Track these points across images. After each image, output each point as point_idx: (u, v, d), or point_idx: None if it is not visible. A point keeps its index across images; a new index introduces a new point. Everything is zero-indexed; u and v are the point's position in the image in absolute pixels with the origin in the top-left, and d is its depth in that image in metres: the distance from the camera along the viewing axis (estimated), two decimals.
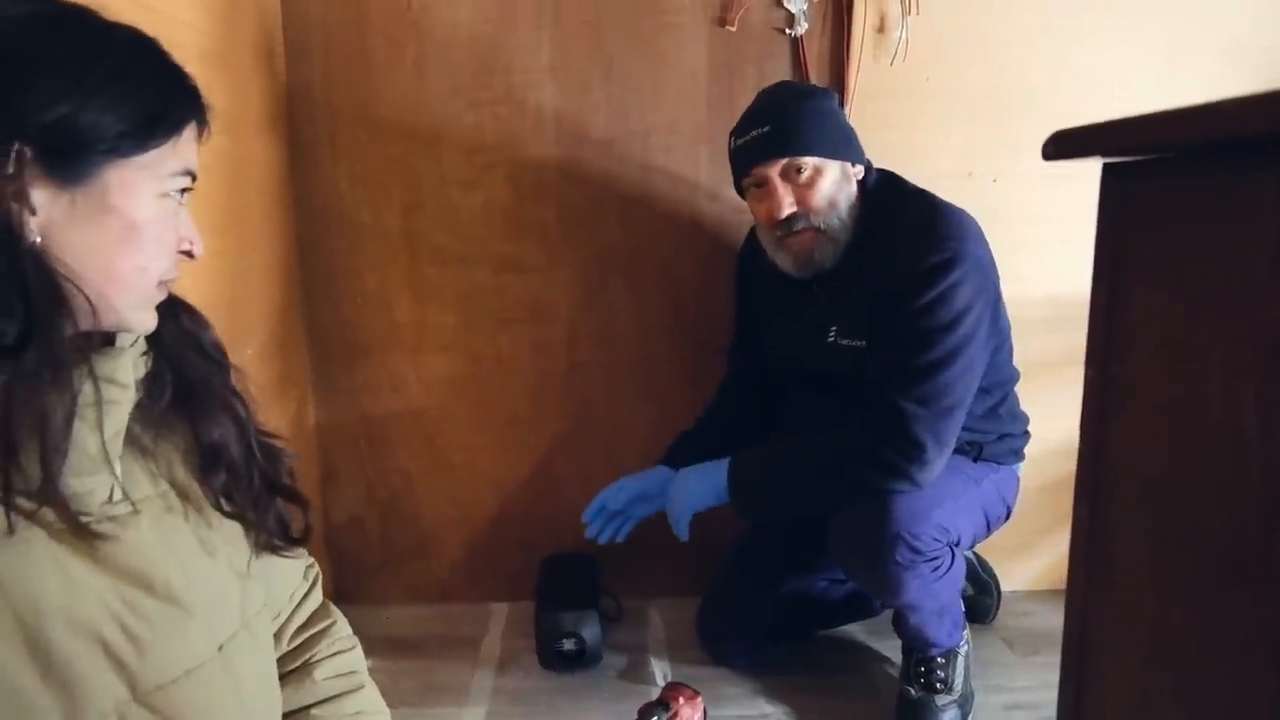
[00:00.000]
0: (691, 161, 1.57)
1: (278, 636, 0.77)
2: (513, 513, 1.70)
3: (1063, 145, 0.42)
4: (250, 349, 1.37)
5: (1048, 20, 1.53)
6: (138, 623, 0.55)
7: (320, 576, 0.85)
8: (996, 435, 1.38)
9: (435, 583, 1.70)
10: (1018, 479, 1.45)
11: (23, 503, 0.49)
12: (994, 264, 1.29)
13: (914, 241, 1.23)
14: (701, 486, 1.34)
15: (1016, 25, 1.53)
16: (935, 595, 1.27)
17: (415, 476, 1.69)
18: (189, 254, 0.61)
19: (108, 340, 0.58)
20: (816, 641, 1.55)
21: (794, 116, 1.24)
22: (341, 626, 0.83)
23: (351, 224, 1.59)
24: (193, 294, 1.19)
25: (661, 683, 1.42)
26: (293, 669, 0.77)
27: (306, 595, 0.81)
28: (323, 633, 0.80)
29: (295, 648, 0.78)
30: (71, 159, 0.50)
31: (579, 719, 1.33)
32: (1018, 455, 1.45)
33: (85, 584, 0.52)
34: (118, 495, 0.56)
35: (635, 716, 0.96)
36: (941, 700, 1.28)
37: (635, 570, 1.71)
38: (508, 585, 1.72)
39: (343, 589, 1.69)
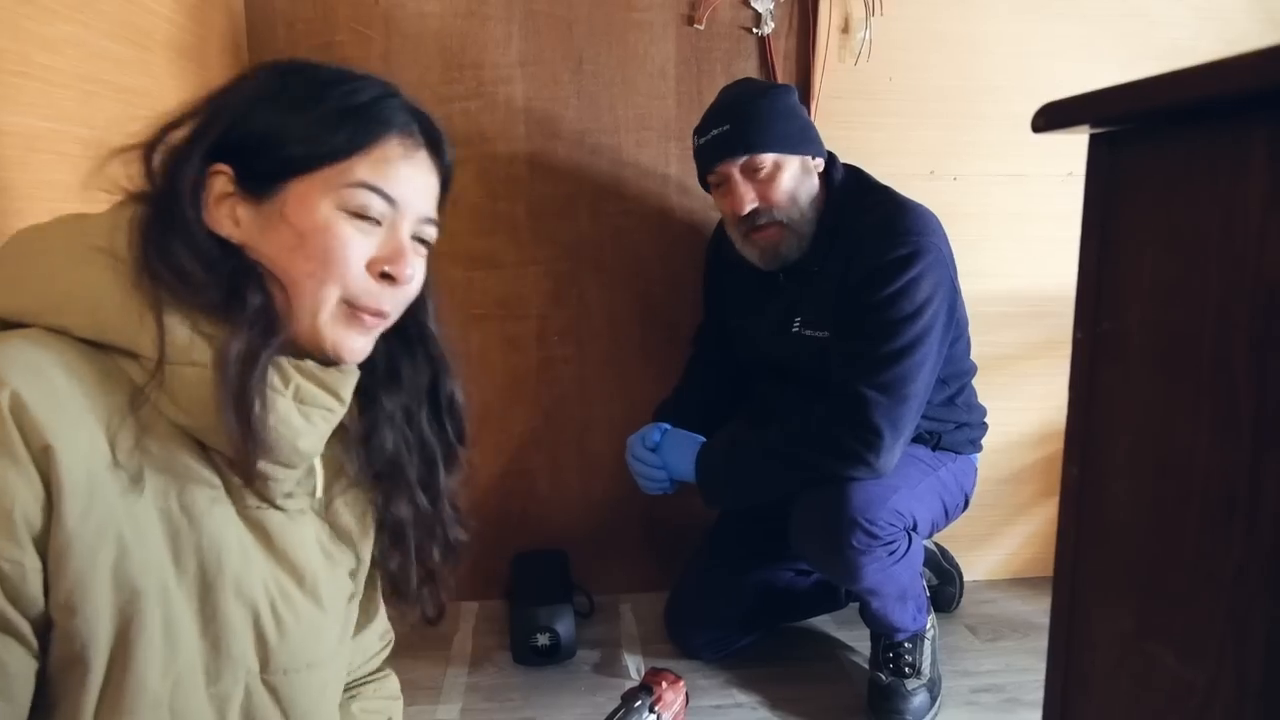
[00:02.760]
0: (661, 156, 1.59)
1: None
2: (485, 510, 1.69)
3: (1053, 116, 0.44)
4: None
5: (1009, 25, 1.58)
6: (285, 608, 0.59)
7: (393, 643, 0.85)
8: (954, 425, 1.42)
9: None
10: (975, 469, 1.49)
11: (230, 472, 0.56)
12: (953, 259, 1.32)
13: (878, 235, 1.26)
14: (678, 459, 1.38)
15: (978, 28, 1.58)
16: (894, 579, 1.29)
17: None
18: (389, 278, 0.60)
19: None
20: (785, 633, 1.57)
21: (752, 115, 1.26)
22: (391, 682, 0.84)
23: None
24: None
25: (636, 677, 1.42)
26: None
27: (375, 654, 0.83)
28: (374, 681, 0.82)
29: (346, 687, 0.79)
30: (258, 180, 0.57)
31: (553, 714, 1.32)
32: (975, 445, 1.49)
33: (254, 560, 0.57)
34: (293, 490, 0.61)
35: (619, 702, 0.96)
36: (911, 684, 1.31)
37: (606, 566, 1.71)
38: (479, 583, 1.70)
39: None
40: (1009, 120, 1.60)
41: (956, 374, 1.41)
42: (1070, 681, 0.56)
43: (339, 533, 0.66)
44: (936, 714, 1.32)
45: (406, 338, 0.68)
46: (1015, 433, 1.73)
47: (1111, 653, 0.51)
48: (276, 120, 0.57)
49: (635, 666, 1.45)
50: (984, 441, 1.71)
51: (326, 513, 0.66)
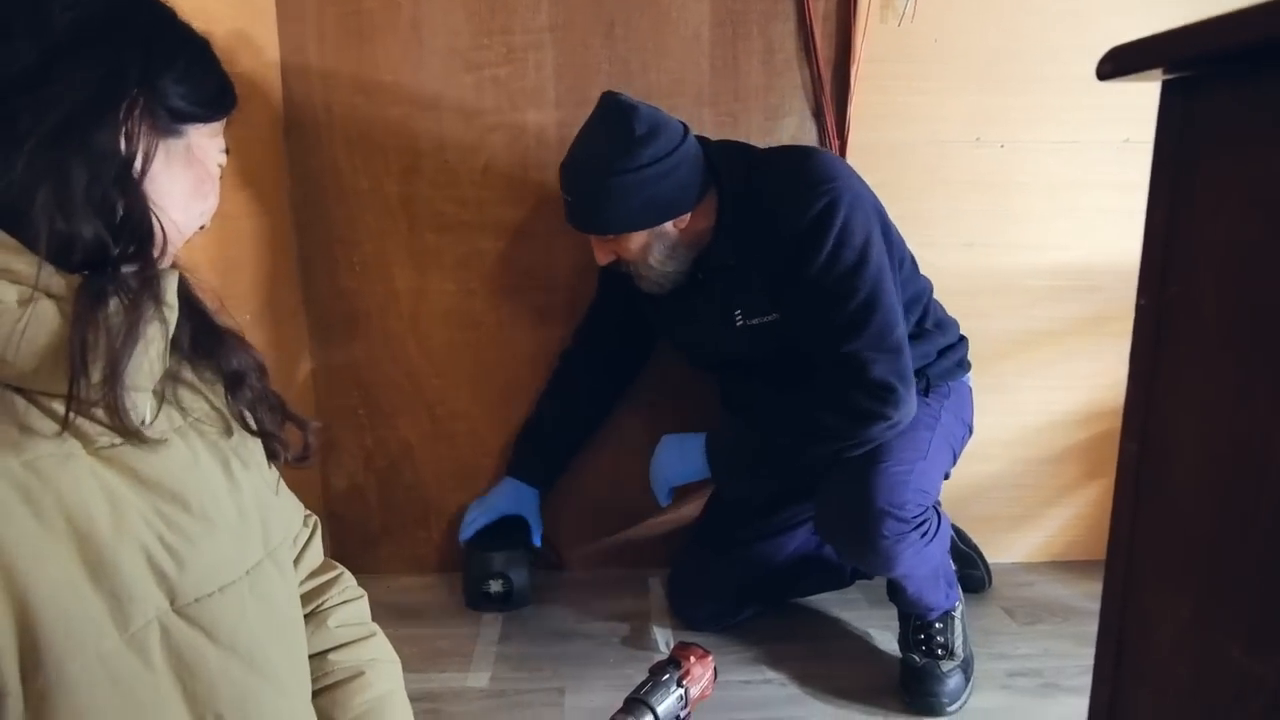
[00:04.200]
0: (695, 123, 1.51)
1: None
2: None
3: (1121, 61, 0.40)
4: (247, 314, 1.34)
5: None
6: (176, 537, 0.57)
7: (320, 526, 0.86)
8: (935, 354, 1.38)
9: (435, 552, 1.68)
10: (969, 389, 1.45)
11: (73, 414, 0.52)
12: (866, 185, 1.28)
13: (785, 203, 1.21)
14: (680, 462, 1.37)
15: None
16: (928, 560, 1.26)
17: (415, 445, 1.66)
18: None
19: None
20: (811, 609, 1.55)
21: (590, 196, 1.20)
22: (348, 578, 0.84)
23: (349, 190, 1.55)
24: (197, 254, 1.18)
25: (664, 649, 1.41)
26: (306, 614, 0.77)
27: (309, 541, 0.83)
28: (332, 581, 0.82)
29: (306, 593, 0.79)
30: (170, 116, 0.58)
31: (582, 684, 1.32)
32: (963, 365, 1.44)
33: (126, 498, 0.54)
34: (150, 418, 0.58)
35: (646, 675, 0.95)
36: (946, 666, 1.28)
37: (634, 539, 1.71)
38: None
39: (343, 558, 1.67)
40: (1062, 83, 1.52)
41: (915, 297, 1.37)
42: (1123, 669, 0.53)
43: (220, 429, 0.65)
44: (970, 694, 1.30)
45: None
46: (1059, 411, 1.68)
47: (1168, 641, 0.48)
48: None
49: (665, 640, 1.45)
50: (1024, 421, 1.66)
51: (203, 420, 0.64)
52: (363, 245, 1.58)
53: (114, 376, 0.52)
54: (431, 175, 1.55)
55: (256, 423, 0.70)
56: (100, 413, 0.53)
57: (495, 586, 1.44)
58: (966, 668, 1.31)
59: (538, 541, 1.54)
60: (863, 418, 1.19)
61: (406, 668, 1.34)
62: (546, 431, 1.55)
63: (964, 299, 1.61)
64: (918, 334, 1.35)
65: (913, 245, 1.58)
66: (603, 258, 1.28)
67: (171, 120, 0.58)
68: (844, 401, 1.20)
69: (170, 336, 0.58)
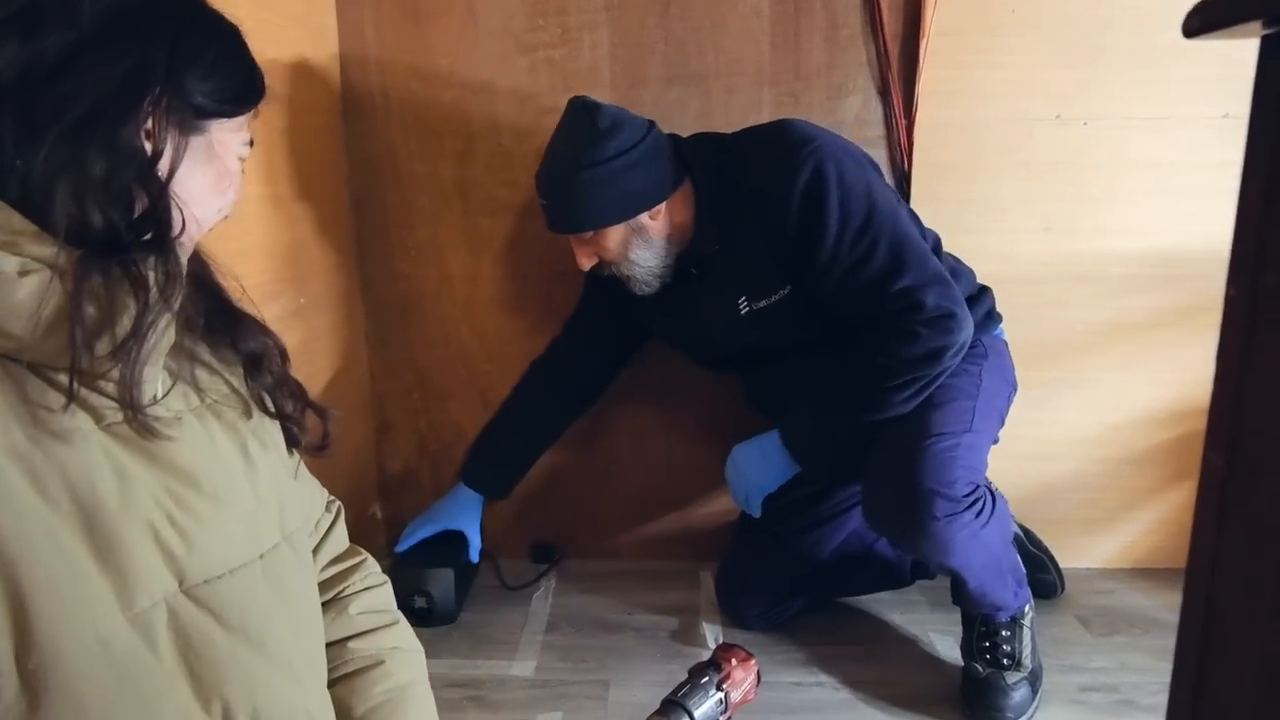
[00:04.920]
0: (754, 103, 1.49)
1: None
2: (565, 470, 1.67)
3: (1211, 13, 0.34)
4: (303, 298, 1.35)
5: None
6: (185, 517, 0.56)
7: (343, 512, 0.85)
8: None
9: (486, 538, 1.68)
10: (1004, 342, 1.37)
11: (81, 388, 0.52)
12: (842, 138, 1.24)
13: (771, 175, 1.18)
14: (766, 467, 1.30)
15: None
16: (986, 546, 1.19)
17: (468, 430, 1.66)
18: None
19: None
20: (867, 610, 1.49)
21: (563, 194, 1.19)
22: (371, 564, 0.83)
23: (404, 174, 1.55)
24: (256, 238, 1.20)
25: (713, 645, 1.38)
26: (327, 600, 0.77)
27: (332, 527, 0.82)
28: (355, 568, 0.81)
29: (328, 579, 0.78)
30: (193, 112, 0.58)
31: (627, 678, 1.30)
32: (993, 317, 1.36)
33: (135, 476, 0.54)
34: (163, 398, 0.58)
35: (685, 676, 0.92)
36: (1011, 677, 1.21)
37: (687, 531, 1.67)
38: (560, 542, 1.70)
39: (395, 541, 1.69)
40: (1151, 54, 1.41)
41: None
42: (1201, 703, 0.47)
43: (239, 411, 0.65)
44: (1037, 709, 1.22)
45: None
46: (1142, 408, 1.56)
47: (1256, 676, 0.42)
48: None
49: (714, 636, 1.41)
50: (1103, 419, 1.56)
51: (220, 403, 0.64)
52: (417, 230, 1.58)
53: (119, 350, 0.52)
54: (486, 159, 1.54)
55: (276, 407, 0.69)
56: (110, 388, 0.53)
57: (419, 602, 1.42)
58: (1034, 680, 1.23)
59: (475, 559, 1.49)
60: (932, 351, 1.15)
61: (451, 653, 1.37)
62: (506, 441, 1.50)
63: (1041, 287, 1.52)
64: None
65: (986, 230, 1.51)
66: (585, 261, 1.25)
67: (194, 116, 0.58)
68: (909, 341, 1.15)
69: (175, 314, 0.57)
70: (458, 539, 1.48)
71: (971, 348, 1.27)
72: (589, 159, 1.16)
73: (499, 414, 1.51)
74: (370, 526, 1.67)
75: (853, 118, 1.49)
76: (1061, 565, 1.53)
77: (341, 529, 0.83)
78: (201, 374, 0.64)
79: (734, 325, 1.29)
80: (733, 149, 1.26)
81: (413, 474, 1.69)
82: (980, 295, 1.35)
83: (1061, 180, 1.48)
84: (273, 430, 0.69)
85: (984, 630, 1.25)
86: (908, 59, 1.45)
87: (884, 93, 1.48)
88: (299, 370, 1.32)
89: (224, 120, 0.61)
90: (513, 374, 1.62)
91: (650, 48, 1.47)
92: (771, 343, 1.31)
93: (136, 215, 0.54)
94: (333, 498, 0.85)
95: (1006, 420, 1.33)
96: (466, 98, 1.51)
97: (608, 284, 1.33)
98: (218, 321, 0.67)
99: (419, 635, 1.37)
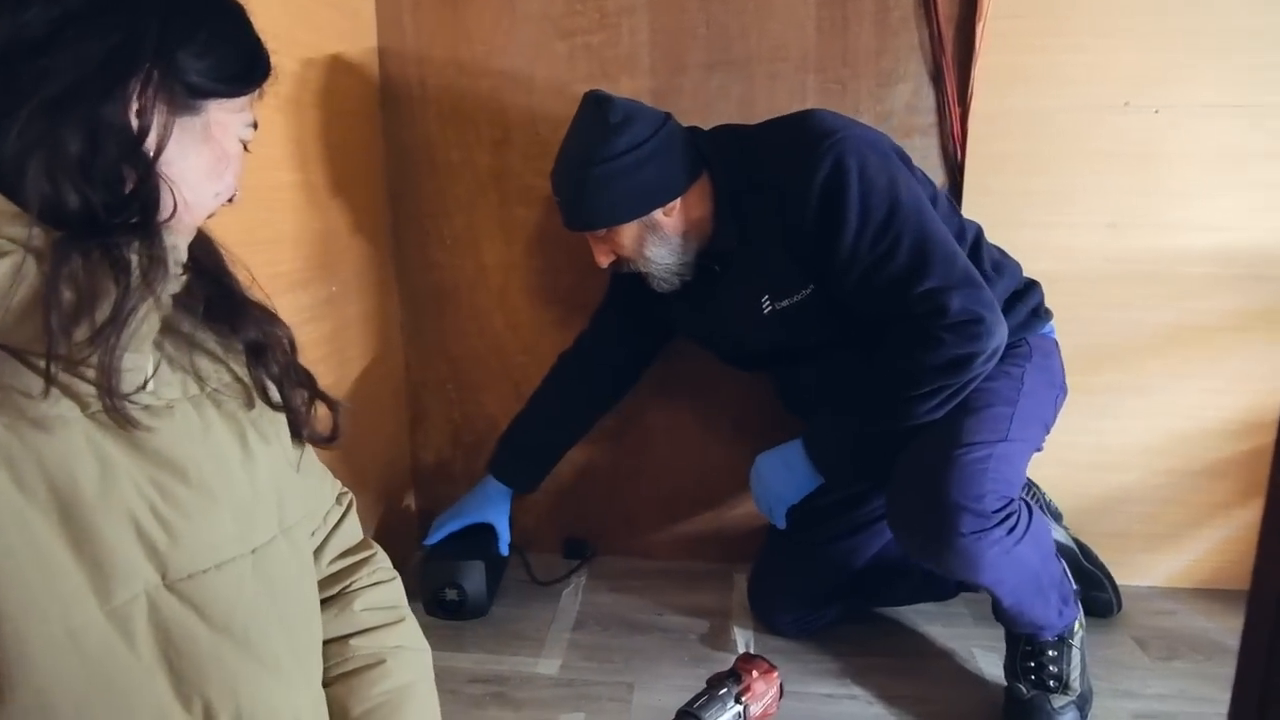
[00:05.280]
0: (797, 90, 1.43)
1: (316, 558, 0.75)
2: (599, 465, 1.65)
3: None
4: (334, 286, 1.35)
5: None
6: (170, 509, 0.55)
7: (354, 504, 0.83)
8: (1002, 303, 1.20)
9: (518, 532, 1.66)
10: (1054, 342, 1.29)
11: (63, 374, 0.50)
12: (874, 130, 1.19)
13: (789, 169, 1.12)
14: (790, 477, 1.26)
15: None
16: (1021, 563, 1.11)
17: (501, 422, 1.63)
18: (230, 199, 0.64)
19: None
20: (905, 621, 1.42)
21: (575, 192, 1.16)
22: (382, 559, 0.81)
23: (440, 163, 1.54)
24: (288, 226, 1.19)
25: (743, 651, 1.33)
26: (331, 595, 0.75)
27: (342, 520, 0.80)
28: (363, 562, 0.79)
29: (335, 573, 0.77)
30: (188, 92, 0.56)
31: (650, 682, 1.26)
32: (1040, 314, 1.27)
33: (119, 465, 0.53)
34: (152, 386, 0.57)
35: (703, 687, 0.88)
36: (1058, 701, 1.14)
37: (721, 531, 1.63)
38: (592, 538, 1.67)
39: (427, 532, 1.69)
40: (1230, 37, 1.31)
41: (957, 237, 1.20)
42: None
43: (240, 402, 0.63)
44: None
45: None
46: (1213, 417, 1.46)
47: None
48: None
49: (745, 641, 1.37)
50: (1170, 427, 1.46)
51: (219, 393, 0.62)
52: (453, 219, 1.56)
53: (98, 337, 0.50)
54: (522, 147, 1.52)
55: (283, 397, 0.68)
56: (92, 374, 0.51)
57: (450, 594, 1.40)
58: (1082, 705, 1.16)
59: (505, 551, 1.48)
60: (958, 359, 1.09)
61: (478, 648, 1.36)
62: (534, 435, 1.48)
63: (1105, 286, 1.43)
64: None
65: (1045, 225, 1.43)
66: (602, 259, 1.22)
67: (189, 96, 0.56)
68: (933, 347, 1.09)
69: (161, 300, 0.55)
70: (487, 532, 1.47)
71: (1014, 346, 1.20)
72: (600, 155, 1.13)
73: (527, 407, 1.49)
74: (404, 517, 1.67)
75: (903, 106, 1.42)
76: (1119, 582, 1.44)
77: (352, 522, 0.81)
78: (203, 362, 0.63)
79: (758, 324, 1.25)
80: (754, 141, 1.21)
81: (446, 465, 1.69)
82: (1027, 291, 1.27)
83: (1129, 172, 1.39)
84: (276, 421, 0.67)
85: (1029, 650, 1.18)
86: (963, 43, 1.38)
87: (937, 79, 1.40)
88: (329, 360, 1.34)
89: (222, 101, 0.58)
90: (546, 366, 1.59)
91: (691, 32, 1.43)
92: (797, 342, 1.26)
93: (125, 195, 0.53)
94: (345, 489, 0.83)
95: (1057, 426, 1.25)
96: (503, 86, 1.49)
97: (632, 279, 1.30)
98: (218, 309, 0.65)
99: (449, 628, 1.41)
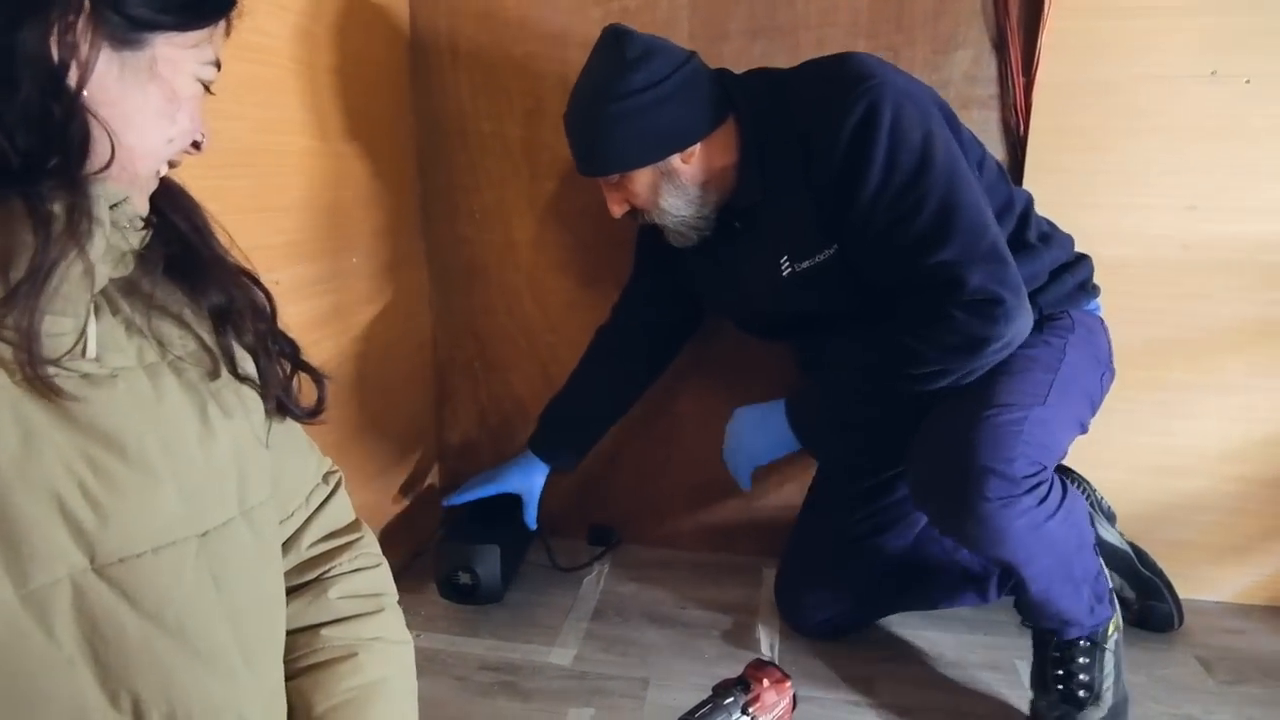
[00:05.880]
0: None
1: (294, 541, 0.71)
2: (628, 451, 1.59)
3: None
4: (355, 258, 1.32)
5: None
6: (101, 487, 0.50)
7: (343, 483, 0.78)
8: (1046, 274, 1.12)
9: (543, 517, 1.62)
10: (1101, 320, 1.18)
11: None
12: (917, 82, 1.09)
13: (819, 112, 1.03)
14: (761, 435, 1.19)
15: None
16: (1052, 542, 1.01)
17: (528, 404, 1.60)
18: (198, 145, 0.59)
19: None
20: (938, 623, 1.33)
21: (585, 132, 1.10)
22: (368, 543, 0.76)
23: (471, 135, 1.49)
24: (300, 192, 1.16)
25: (768, 652, 1.27)
26: (307, 581, 0.70)
27: (327, 500, 0.75)
28: (346, 546, 0.73)
29: (314, 557, 0.71)
30: (128, 24, 0.50)
31: (669, 678, 1.21)
32: (1088, 289, 1.18)
33: (44, 436, 0.48)
34: (91, 352, 0.52)
35: (709, 693, 0.82)
36: (1090, 714, 1.04)
37: (754, 524, 1.56)
38: (616, 526, 1.62)
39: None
40: None
41: (1005, 205, 1.12)
42: None
43: (202, 373, 0.58)
44: None
45: None
46: None
47: None
48: None
49: (769, 642, 1.30)
50: (1248, 432, 1.34)
51: (180, 361, 0.57)
52: (483, 192, 1.51)
53: (13, 296, 0.45)
54: (555, 119, 1.43)
55: (258, 368, 0.63)
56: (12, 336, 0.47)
57: (463, 578, 1.36)
58: (1116, 716, 1.06)
59: (532, 525, 1.43)
60: (968, 340, 1.00)
61: (491, 634, 1.32)
62: (576, 410, 1.42)
63: (1180, 274, 1.31)
64: (1016, 248, 1.08)
65: (1115, 206, 1.31)
66: (615, 207, 1.15)
67: (130, 28, 0.50)
68: (942, 324, 1.01)
69: (96, 258, 0.50)
70: (509, 513, 1.43)
71: (1056, 319, 1.11)
72: (614, 92, 1.05)
73: (568, 382, 1.43)
74: (427, 498, 1.64)
75: (960, 75, 1.31)
76: (1181, 596, 1.33)
77: (339, 503, 0.76)
78: (167, 327, 0.58)
79: (776, 288, 1.15)
80: (786, 86, 1.10)
81: (472, 446, 1.65)
82: (1075, 264, 1.17)
83: (1213, 149, 1.26)
84: (243, 394, 0.62)
85: (1058, 655, 1.08)
86: (1030, 6, 1.26)
87: (999, 46, 1.29)
88: (346, 334, 1.31)
89: (171, 35, 0.52)
90: (575, 346, 1.54)
91: None
92: (816, 308, 1.16)
93: (51, 134, 0.47)
94: (334, 468, 0.78)
95: (1120, 425, 1.16)
96: (537, 53, 1.43)
97: (656, 239, 1.23)
98: (180, 269, 0.60)
99: (462, 612, 1.37)
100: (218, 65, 0.58)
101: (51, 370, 0.48)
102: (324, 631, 0.68)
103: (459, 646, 1.28)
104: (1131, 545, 1.34)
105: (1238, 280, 1.30)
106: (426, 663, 1.24)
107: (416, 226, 1.53)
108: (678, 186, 1.10)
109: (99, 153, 0.50)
